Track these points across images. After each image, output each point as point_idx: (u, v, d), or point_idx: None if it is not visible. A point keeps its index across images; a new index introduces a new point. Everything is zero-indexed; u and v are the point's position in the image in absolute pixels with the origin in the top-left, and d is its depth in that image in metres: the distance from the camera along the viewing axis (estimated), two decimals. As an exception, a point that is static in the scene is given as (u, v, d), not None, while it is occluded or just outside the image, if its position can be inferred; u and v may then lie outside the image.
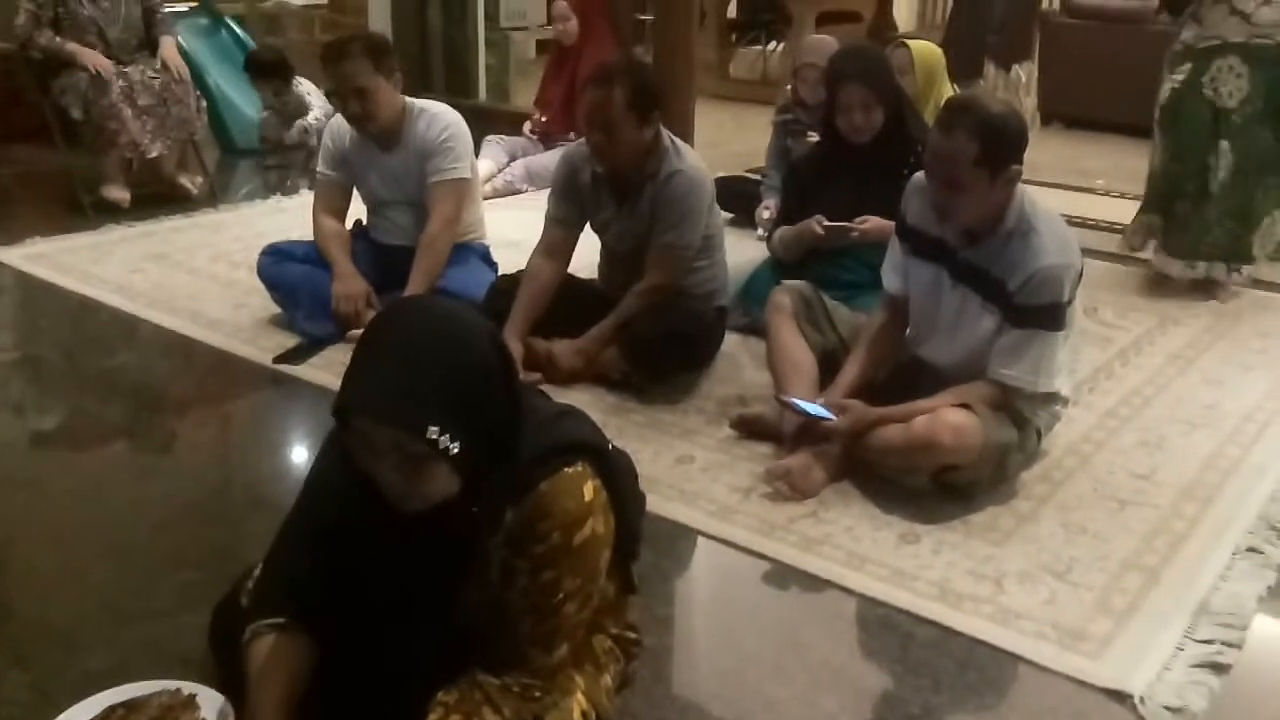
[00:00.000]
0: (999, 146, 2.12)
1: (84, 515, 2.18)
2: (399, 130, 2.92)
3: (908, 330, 2.47)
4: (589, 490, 1.32)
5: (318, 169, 3.08)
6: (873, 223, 2.82)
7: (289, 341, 2.92)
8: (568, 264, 2.86)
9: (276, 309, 3.08)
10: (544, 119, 4.83)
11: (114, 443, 2.59)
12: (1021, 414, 2.26)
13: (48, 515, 2.19)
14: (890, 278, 2.45)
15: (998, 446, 2.21)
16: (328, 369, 2.78)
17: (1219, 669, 1.76)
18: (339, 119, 2.99)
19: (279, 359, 2.84)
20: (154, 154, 4.12)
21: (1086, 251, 3.71)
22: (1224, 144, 3.29)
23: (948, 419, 2.16)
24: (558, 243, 2.83)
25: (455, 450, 1.21)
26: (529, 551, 1.31)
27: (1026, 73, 6.78)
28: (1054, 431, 2.42)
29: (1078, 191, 4.80)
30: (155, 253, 3.69)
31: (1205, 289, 3.47)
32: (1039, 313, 2.17)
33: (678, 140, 2.76)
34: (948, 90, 3.68)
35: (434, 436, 1.19)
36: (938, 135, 2.17)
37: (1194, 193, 3.37)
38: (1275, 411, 2.68)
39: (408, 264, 2.88)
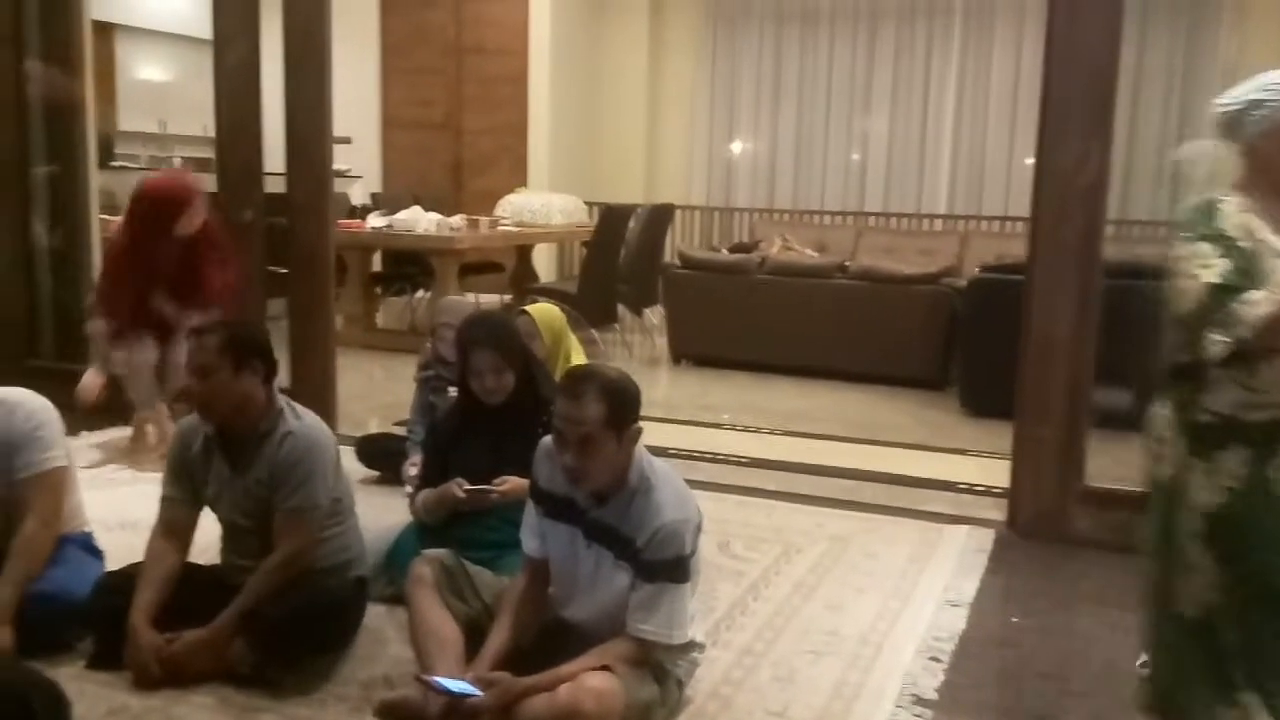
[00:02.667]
0: (622, 407, 2.28)
1: None
2: None
3: (551, 591, 2.49)
4: None
5: None
6: (512, 483, 2.85)
7: None
8: (189, 544, 2.68)
9: None
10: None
11: None
12: (662, 667, 2.31)
13: None
14: (529, 540, 2.48)
15: (641, 705, 2.23)
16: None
17: None
18: None
19: None
20: None
21: (716, 485, 4.07)
22: None
23: (590, 684, 2.16)
24: (176, 522, 2.66)
25: None
26: None
27: (657, 316, 7.39)
28: (695, 677, 2.48)
29: (708, 427, 5.17)
30: None
31: None
32: (665, 567, 2.27)
33: (295, 404, 2.73)
34: (573, 342, 3.91)
35: None
36: (566, 402, 2.28)
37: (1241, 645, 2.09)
38: (886, 633, 2.91)
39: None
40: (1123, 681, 2.73)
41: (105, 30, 8.17)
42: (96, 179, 5.41)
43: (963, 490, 4.20)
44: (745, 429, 5.17)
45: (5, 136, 5.10)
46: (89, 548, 2.84)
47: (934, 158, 9.20)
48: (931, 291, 6.14)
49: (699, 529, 2.38)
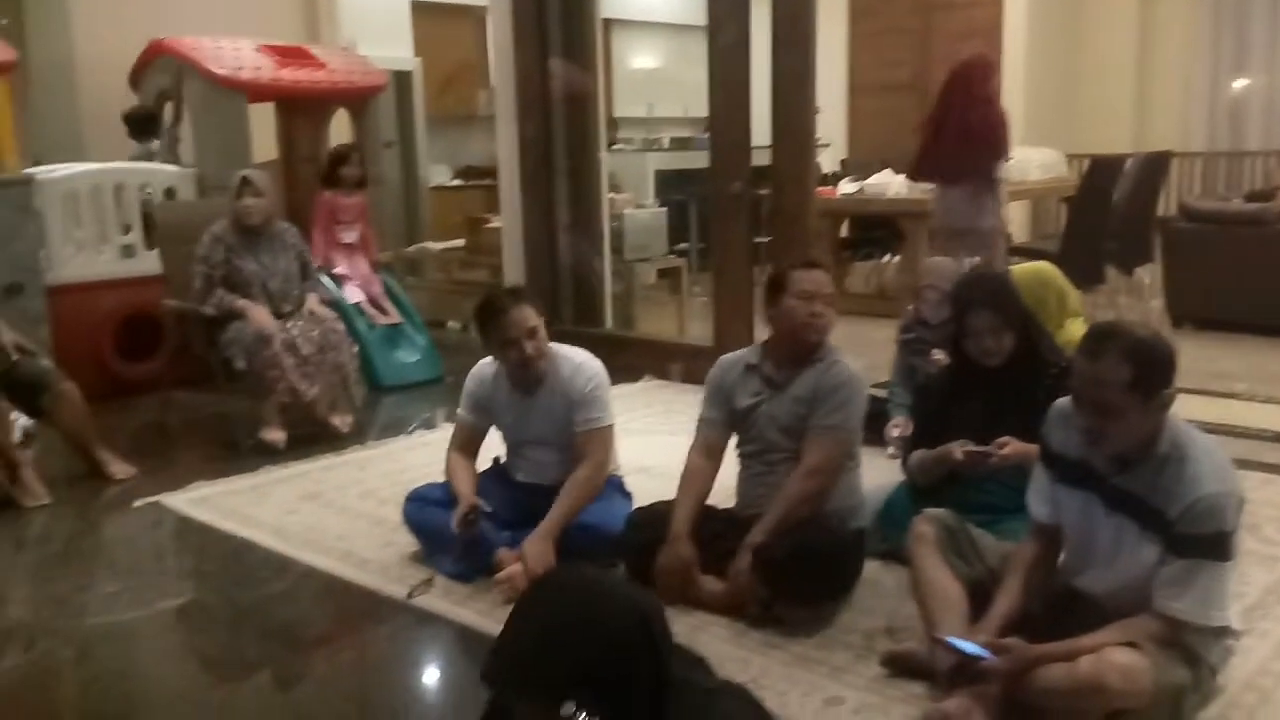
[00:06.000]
0: (1151, 371, 2.10)
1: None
2: (543, 374, 3.06)
3: (1060, 559, 2.40)
4: None
5: (459, 411, 3.22)
6: (1013, 446, 2.77)
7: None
8: (721, 462, 2.94)
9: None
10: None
11: (263, 682, 2.69)
12: (1193, 651, 2.14)
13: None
14: (1038, 506, 2.39)
15: (1171, 688, 2.08)
16: (465, 604, 2.86)
17: None
18: (483, 365, 3.16)
19: (411, 595, 2.93)
20: (310, 397, 4.40)
21: (1237, 462, 3.61)
22: None
23: (1115, 659, 2.05)
24: (713, 441, 2.95)
25: None
26: None
27: (1150, 275, 6.75)
28: (1228, 665, 2.27)
29: (1220, 397, 4.64)
30: (309, 492, 3.87)
31: None
32: (1204, 542, 2.08)
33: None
34: (1072, 299, 3.69)
35: (569, 713, 1.26)
36: (1085, 361, 2.15)
37: None
38: None
39: (545, 502, 2.96)
40: None
41: (605, 25, 9.00)
42: (606, 162, 6.02)
43: None
44: (1267, 400, 4.59)
45: (534, 126, 5.83)
46: (621, 489, 3.21)
47: None
48: None
49: (1241, 505, 2.16)
